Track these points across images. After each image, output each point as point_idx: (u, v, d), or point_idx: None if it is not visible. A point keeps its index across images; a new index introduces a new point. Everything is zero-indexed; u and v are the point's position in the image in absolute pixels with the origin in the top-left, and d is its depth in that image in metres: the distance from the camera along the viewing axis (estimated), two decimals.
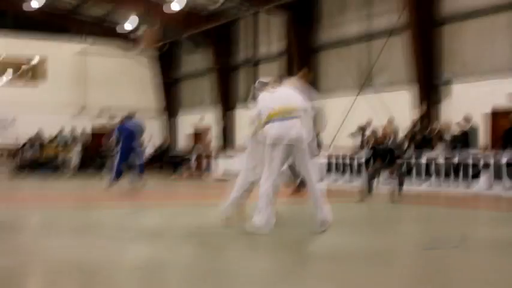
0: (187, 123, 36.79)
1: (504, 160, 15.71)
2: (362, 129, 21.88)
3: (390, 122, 19.55)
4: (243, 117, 31.71)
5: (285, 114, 7.67)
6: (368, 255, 6.26)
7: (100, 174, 28.28)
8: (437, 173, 17.19)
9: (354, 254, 6.26)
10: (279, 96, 7.87)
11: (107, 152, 31.38)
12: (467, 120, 18.52)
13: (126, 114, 17.93)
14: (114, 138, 17.16)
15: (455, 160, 16.75)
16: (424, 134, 20.09)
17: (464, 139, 17.94)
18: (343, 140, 22.86)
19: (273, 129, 7.68)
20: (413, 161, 17.72)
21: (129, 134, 16.83)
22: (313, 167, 7.78)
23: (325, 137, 24.91)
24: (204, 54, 34.30)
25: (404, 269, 5.72)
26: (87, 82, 35.66)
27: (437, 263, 5.86)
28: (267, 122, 7.77)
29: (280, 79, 8.45)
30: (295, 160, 7.82)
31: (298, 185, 14.35)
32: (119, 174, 16.70)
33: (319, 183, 7.79)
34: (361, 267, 5.64)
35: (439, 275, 5.18)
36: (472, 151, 17.24)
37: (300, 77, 8.52)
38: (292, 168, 9.63)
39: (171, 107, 37.77)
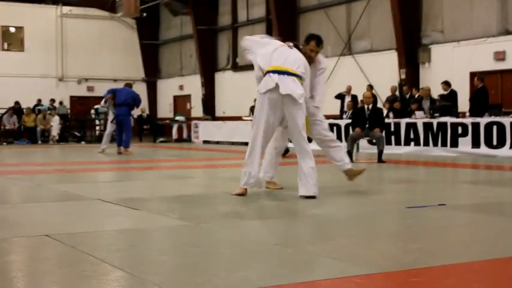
0: (168, 89, 36.61)
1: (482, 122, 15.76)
2: (341, 96, 21.88)
3: (369, 88, 19.60)
4: (224, 83, 31.56)
5: (281, 70, 7.42)
6: (351, 215, 6.27)
7: (81, 143, 28.15)
8: (417, 138, 17.21)
9: (337, 214, 6.27)
10: (285, 55, 7.58)
11: (89, 121, 31.29)
12: (447, 84, 18.55)
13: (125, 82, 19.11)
14: (107, 97, 18.16)
15: (435, 124, 16.76)
16: (404, 99, 20.12)
17: (445, 103, 17.95)
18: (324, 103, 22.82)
19: (267, 79, 7.43)
20: (393, 126, 17.71)
21: (123, 100, 17.76)
22: (304, 136, 7.52)
23: None
24: (183, 20, 34.01)
25: (388, 226, 5.72)
26: (65, 50, 35.28)
27: (422, 220, 5.89)
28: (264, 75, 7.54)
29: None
30: (288, 122, 7.57)
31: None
32: (112, 139, 17.93)
33: (309, 157, 7.52)
34: (344, 226, 5.64)
35: (423, 231, 5.20)
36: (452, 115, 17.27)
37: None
38: None
39: (151, 74, 37.50)
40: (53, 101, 30.93)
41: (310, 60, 7.93)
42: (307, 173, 7.43)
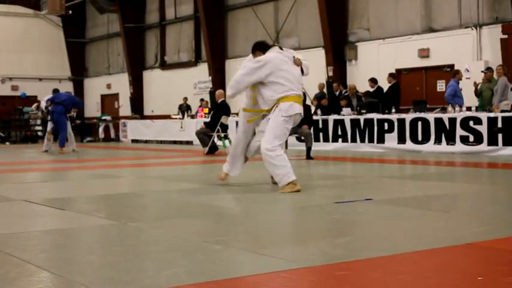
0: (95, 88, 36.08)
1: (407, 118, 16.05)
2: None
3: None
4: (153, 82, 31.33)
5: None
6: (280, 211, 6.31)
7: (5, 144, 27.53)
8: (345, 134, 17.43)
9: (266, 210, 6.29)
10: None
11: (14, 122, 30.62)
12: (373, 81, 18.85)
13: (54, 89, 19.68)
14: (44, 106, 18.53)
15: (362, 121, 16.99)
16: (334, 96, 20.35)
17: (371, 100, 18.22)
18: None
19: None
20: (320, 123, 17.89)
21: (62, 100, 18.43)
22: None
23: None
24: (110, 17, 33.60)
25: (317, 222, 5.77)
26: None
27: (350, 215, 5.98)
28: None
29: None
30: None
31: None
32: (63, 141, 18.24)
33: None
34: (272, 222, 5.66)
35: (351, 226, 5.27)
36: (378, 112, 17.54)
37: None
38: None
39: (78, 72, 36.89)
40: None
41: None
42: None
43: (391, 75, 18.55)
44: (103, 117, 30.60)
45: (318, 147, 16.76)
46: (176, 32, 30.27)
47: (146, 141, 25.85)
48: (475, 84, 16.63)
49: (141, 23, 32.20)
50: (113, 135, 29.86)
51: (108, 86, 35.00)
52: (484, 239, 4.62)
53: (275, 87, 8.03)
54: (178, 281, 3.55)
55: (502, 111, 14.55)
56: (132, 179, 10.79)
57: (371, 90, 18.88)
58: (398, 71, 20.62)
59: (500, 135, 14.20)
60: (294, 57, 8.31)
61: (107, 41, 34.96)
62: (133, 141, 26.75)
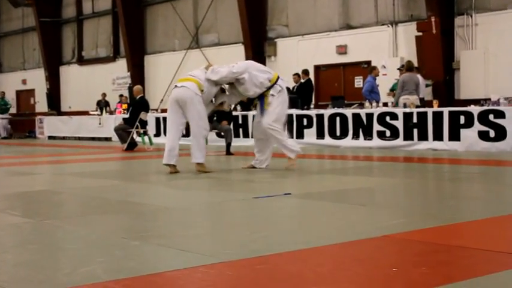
0: (10, 84, 35.17)
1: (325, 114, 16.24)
2: None
3: None
4: (70, 77, 30.78)
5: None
6: (199, 206, 6.29)
7: None
8: None
9: (184, 206, 6.27)
10: None
11: None
12: (305, 73, 18.74)
13: None
14: None
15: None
16: None
17: (291, 95, 18.32)
18: None
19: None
20: (240, 119, 17.92)
21: None
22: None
23: (157, 94, 24.78)
24: (25, 11, 32.84)
25: (235, 216, 5.77)
26: None
27: (268, 209, 6.03)
28: None
29: None
30: None
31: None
32: None
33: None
34: (191, 218, 5.64)
35: (270, 220, 5.30)
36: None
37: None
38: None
39: None
40: None
41: None
42: None
43: (304, 71, 18.67)
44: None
45: (238, 142, 16.80)
46: (94, 27, 29.81)
47: (64, 138, 25.37)
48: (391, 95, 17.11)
49: (58, 17, 31.59)
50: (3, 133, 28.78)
51: (24, 82, 34.22)
52: (399, 231, 4.71)
53: None
54: (95, 278, 3.49)
55: (404, 105, 14.94)
56: (49, 176, 10.58)
57: (302, 81, 18.70)
58: (317, 67, 20.88)
59: (415, 130, 14.53)
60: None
61: (22, 36, 34.14)
62: (50, 137, 26.21)
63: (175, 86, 9.65)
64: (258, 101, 9.84)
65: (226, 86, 10.08)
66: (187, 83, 9.49)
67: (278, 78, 9.81)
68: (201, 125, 9.44)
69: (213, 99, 10.07)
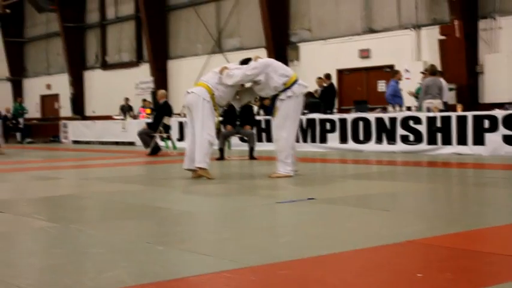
0: (35, 88, 35.50)
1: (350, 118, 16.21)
2: None
3: None
4: (93, 82, 30.98)
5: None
6: (223, 211, 6.30)
7: None
8: None
9: (209, 210, 6.29)
10: None
11: None
12: (327, 77, 18.74)
13: None
14: None
15: (305, 120, 17.08)
16: (274, 96, 20.36)
17: (313, 100, 18.34)
18: None
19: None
20: (264, 123, 17.93)
21: None
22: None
23: (180, 98, 24.91)
24: (50, 17, 33.12)
25: (259, 221, 5.77)
26: None
27: (292, 214, 6.05)
28: None
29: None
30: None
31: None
32: None
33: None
34: (216, 222, 5.67)
35: (293, 225, 5.30)
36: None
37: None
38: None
39: (16, 72, 36.26)
40: None
41: None
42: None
43: (326, 76, 18.64)
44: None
45: (261, 147, 16.79)
46: (117, 31, 30.00)
47: (88, 142, 25.53)
48: (412, 94, 17.02)
49: (81, 22, 31.83)
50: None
51: (48, 87, 34.50)
52: (423, 236, 4.69)
53: None
54: (119, 282, 3.51)
55: (428, 110, 14.88)
56: (73, 180, 10.65)
57: (324, 85, 18.69)
58: (340, 71, 20.84)
59: (439, 135, 14.46)
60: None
61: (46, 41, 34.45)
62: (74, 142, 26.38)
63: (187, 91, 9.78)
64: (271, 102, 10.09)
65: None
66: (196, 89, 9.62)
67: (295, 82, 9.69)
68: (204, 129, 9.46)
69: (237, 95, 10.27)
